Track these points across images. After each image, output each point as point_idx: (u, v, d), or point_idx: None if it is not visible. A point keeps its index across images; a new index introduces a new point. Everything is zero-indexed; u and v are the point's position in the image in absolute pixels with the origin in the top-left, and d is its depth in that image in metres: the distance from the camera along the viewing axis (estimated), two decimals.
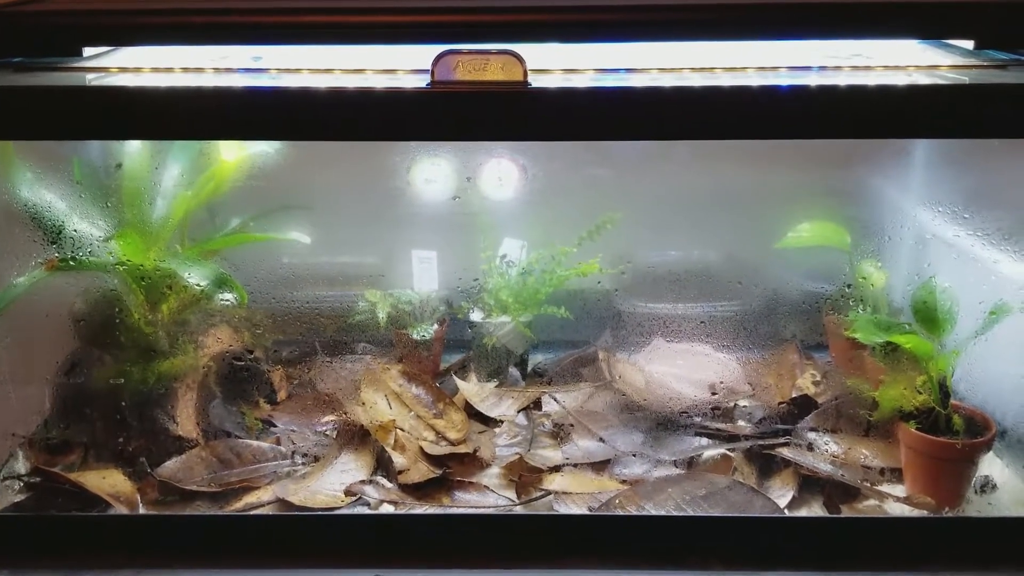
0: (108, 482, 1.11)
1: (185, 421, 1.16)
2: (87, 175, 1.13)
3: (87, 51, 1.11)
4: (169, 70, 1.08)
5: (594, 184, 1.30)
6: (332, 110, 0.97)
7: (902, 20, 1.12)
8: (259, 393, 1.28)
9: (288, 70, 1.07)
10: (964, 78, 1.06)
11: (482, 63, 0.96)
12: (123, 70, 1.08)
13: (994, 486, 1.15)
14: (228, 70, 1.07)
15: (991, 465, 1.18)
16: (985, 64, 1.10)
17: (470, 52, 0.96)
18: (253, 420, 1.23)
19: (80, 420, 1.15)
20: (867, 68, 1.09)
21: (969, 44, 1.13)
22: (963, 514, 1.12)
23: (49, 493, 1.12)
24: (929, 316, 1.14)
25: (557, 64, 1.05)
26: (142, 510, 1.11)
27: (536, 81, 0.97)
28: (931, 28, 1.14)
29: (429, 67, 0.96)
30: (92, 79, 1.05)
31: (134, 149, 1.14)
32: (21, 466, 1.15)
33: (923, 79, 1.06)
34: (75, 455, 1.16)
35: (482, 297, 1.36)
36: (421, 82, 0.97)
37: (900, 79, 1.06)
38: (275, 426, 1.24)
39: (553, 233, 1.33)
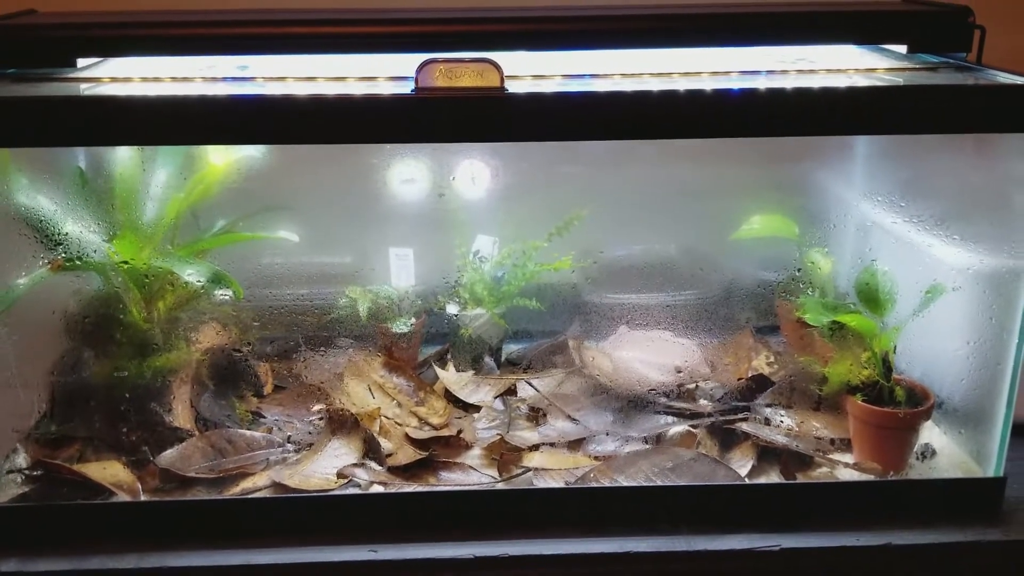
0: (109, 472, 1.15)
1: (181, 413, 1.21)
2: (84, 180, 1.17)
3: (80, 62, 1.14)
4: (158, 79, 1.11)
5: (563, 182, 1.35)
6: (322, 116, 1.01)
7: (842, 27, 1.20)
8: (247, 387, 1.33)
9: (274, 79, 1.11)
10: (899, 80, 1.13)
11: (462, 70, 1.01)
12: (114, 80, 1.12)
13: (933, 452, 1.22)
14: (215, 79, 1.11)
15: (930, 432, 1.25)
16: (918, 67, 1.17)
17: (451, 60, 1.01)
18: (244, 412, 1.29)
19: (80, 414, 1.19)
20: (811, 72, 1.16)
21: (903, 48, 1.21)
22: (906, 477, 1.19)
23: (53, 484, 1.15)
24: (871, 297, 1.21)
25: (528, 70, 1.10)
26: (143, 498, 1.15)
27: (511, 86, 1.02)
28: (868, 34, 1.22)
29: (409, 75, 1.01)
30: (85, 89, 1.09)
31: (127, 156, 1.17)
32: (23, 460, 1.19)
33: (862, 81, 1.13)
34: (74, 448, 1.19)
35: (458, 291, 1.42)
36: (404, 89, 1.01)
37: (841, 81, 1.13)
38: (264, 417, 1.29)
39: (525, 229, 1.38)
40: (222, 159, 1.21)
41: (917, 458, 1.22)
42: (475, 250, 1.42)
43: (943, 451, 1.24)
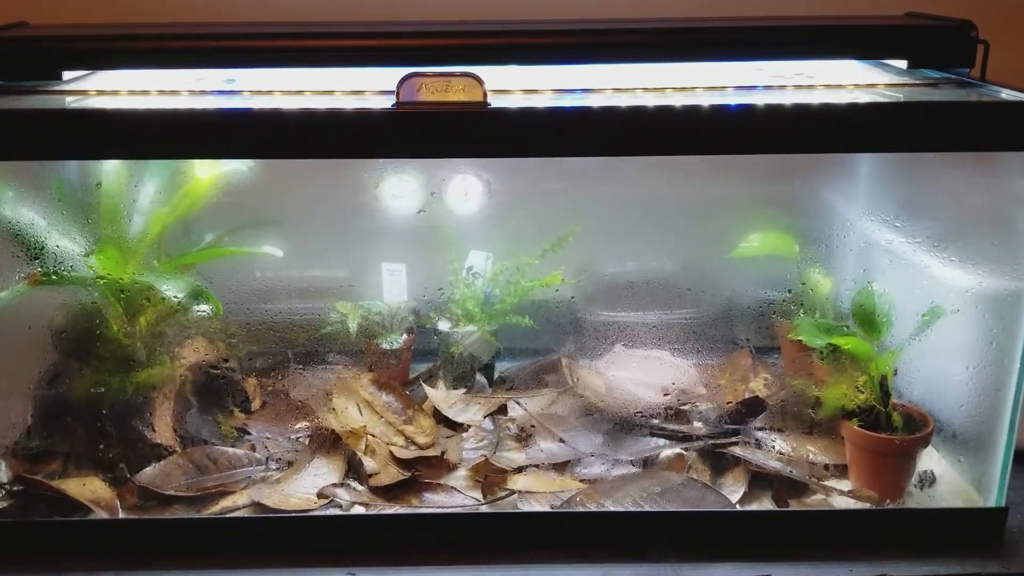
0: (88, 488, 1.14)
1: (163, 429, 1.19)
2: (67, 193, 1.17)
3: (66, 75, 1.14)
4: (145, 93, 1.11)
5: (554, 198, 1.33)
6: (303, 130, 1.01)
7: (842, 42, 1.17)
8: (233, 402, 1.31)
9: (260, 92, 1.10)
10: (899, 96, 1.11)
11: (444, 85, 1.00)
12: (101, 93, 1.12)
13: (933, 479, 1.19)
14: (202, 92, 1.11)
15: (930, 459, 1.22)
16: (918, 82, 1.15)
17: (433, 74, 1.00)
18: (228, 428, 1.27)
19: (61, 430, 1.18)
20: (810, 87, 1.14)
21: (903, 64, 1.19)
22: (904, 505, 1.16)
23: (32, 500, 1.14)
24: (867, 319, 1.18)
25: (515, 85, 1.09)
26: (122, 515, 1.13)
27: (495, 101, 1.01)
28: (869, 49, 1.20)
29: (394, 89, 1.00)
30: (71, 102, 1.09)
31: (112, 168, 1.17)
32: (3, 474, 1.18)
33: (862, 97, 1.10)
34: (55, 464, 1.18)
35: (449, 307, 1.40)
36: (387, 103, 1.01)
37: (841, 97, 1.11)
38: (249, 434, 1.28)
39: (516, 245, 1.37)
40: (208, 173, 1.20)
41: (916, 486, 1.19)
42: (468, 266, 1.40)
43: (943, 478, 1.21)
